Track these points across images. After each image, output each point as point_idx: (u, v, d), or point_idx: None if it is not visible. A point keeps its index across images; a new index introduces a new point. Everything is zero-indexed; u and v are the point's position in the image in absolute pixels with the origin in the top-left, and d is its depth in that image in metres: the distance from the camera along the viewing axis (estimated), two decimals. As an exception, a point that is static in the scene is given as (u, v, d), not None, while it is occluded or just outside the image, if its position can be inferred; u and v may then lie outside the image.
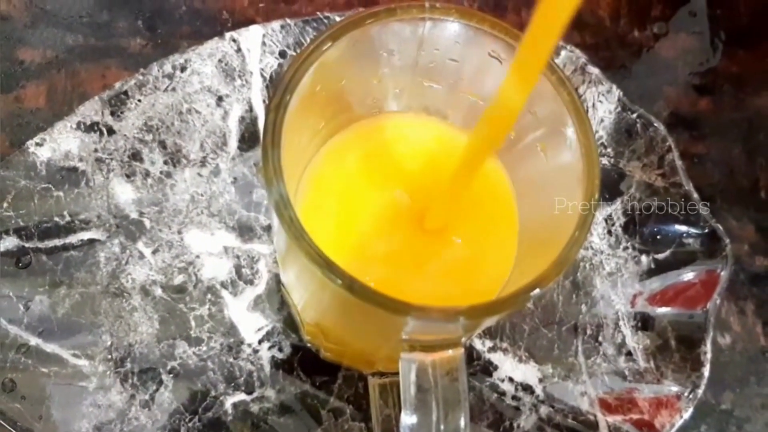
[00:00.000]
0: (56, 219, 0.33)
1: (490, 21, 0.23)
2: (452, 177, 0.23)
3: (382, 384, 0.30)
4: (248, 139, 0.36)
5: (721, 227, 0.36)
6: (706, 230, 0.36)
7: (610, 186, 0.36)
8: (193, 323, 0.33)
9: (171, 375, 0.32)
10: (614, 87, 0.37)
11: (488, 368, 0.34)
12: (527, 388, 0.34)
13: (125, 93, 0.35)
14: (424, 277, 0.25)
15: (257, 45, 0.37)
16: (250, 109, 0.36)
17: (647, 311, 0.35)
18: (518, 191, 0.27)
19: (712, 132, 0.40)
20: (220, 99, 0.36)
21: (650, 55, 0.41)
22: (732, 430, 0.35)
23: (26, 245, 0.33)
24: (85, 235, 0.33)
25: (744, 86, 0.41)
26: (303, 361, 0.33)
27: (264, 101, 0.36)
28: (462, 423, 0.22)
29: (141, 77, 0.35)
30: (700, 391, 0.34)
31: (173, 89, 0.36)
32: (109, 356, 0.32)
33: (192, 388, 0.32)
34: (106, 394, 0.32)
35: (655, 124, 0.37)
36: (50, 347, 0.32)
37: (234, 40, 0.36)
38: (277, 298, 0.34)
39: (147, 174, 0.34)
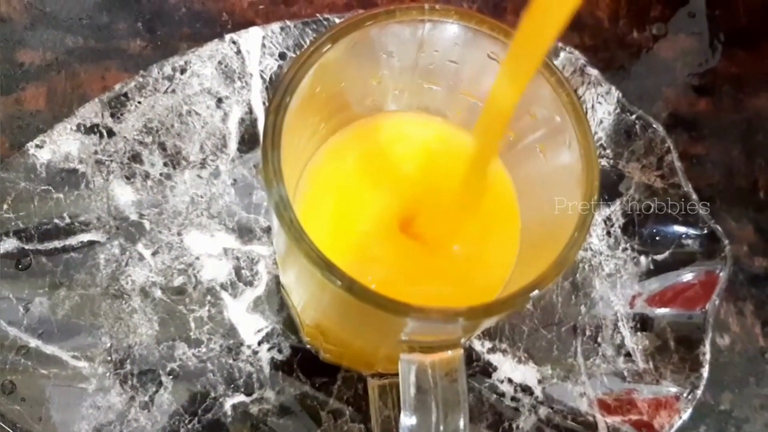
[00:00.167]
0: (56, 221, 0.33)
1: (489, 23, 0.23)
2: (461, 184, 0.23)
3: (381, 385, 0.30)
4: (248, 140, 0.36)
5: (720, 228, 0.36)
6: (705, 231, 0.36)
7: (609, 187, 0.36)
8: (192, 325, 0.33)
9: (170, 376, 0.32)
10: (613, 88, 0.37)
11: (487, 369, 0.34)
12: (526, 389, 0.34)
13: (125, 95, 0.35)
14: (425, 278, 0.25)
15: (257, 47, 0.37)
16: (250, 111, 0.36)
17: (646, 312, 0.35)
18: (519, 192, 0.27)
19: (711, 133, 0.40)
20: (219, 101, 0.36)
21: (649, 56, 0.41)
22: (731, 430, 0.35)
23: (26, 247, 0.33)
24: (85, 237, 0.34)
25: (743, 87, 0.41)
26: (302, 362, 0.33)
27: (264, 103, 0.36)
28: (461, 424, 0.22)
29: (141, 79, 0.35)
30: (699, 392, 0.34)
31: (173, 91, 0.36)
32: (109, 358, 0.32)
33: (191, 390, 0.32)
34: (106, 395, 0.32)
35: (654, 125, 0.37)
36: (50, 349, 0.32)
37: (234, 42, 0.36)
38: (276, 299, 0.34)
39: (147, 176, 0.35)
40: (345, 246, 0.25)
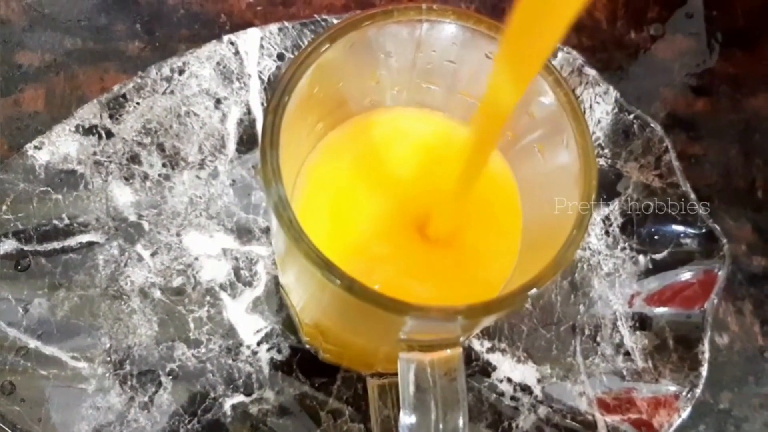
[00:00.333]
0: (55, 222, 0.34)
1: (487, 23, 0.23)
2: (457, 180, 0.23)
3: (380, 385, 0.30)
4: (246, 141, 0.36)
5: (718, 227, 0.36)
6: (704, 230, 0.36)
7: (607, 187, 0.36)
8: (192, 325, 0.33)
9: (170, 377, 0.32)
10: (611, 88, 0.37)
11: (487, 369, 0.34)
12: (526, 389, 0.34)
13: (123, 96, 0.35)
14: (424, 276, 0.25)
15: (255, 48, 0.37)
16: (249, 112, 0.36)
17: (645, 311, 0.35)
18: (520, 191, 0.27)
19: (709, 133, 0.40)
20: (218, 102, 0.36)
21: (647, 57, 0.41)
22: (730, 429, 0.35)
23: (25, 248, 0.33)
24: (84, 238, 0.34)
25: (741, 87, 0.41)
26: (302, 362, 0.33)
27: (262, 104, 0.36)
28: (460, 423, 0.22)
29: (139, 80, 0.35)
30: (698, 391, 0.34)
31: (171, 92, 0.36)
32: (108, 358, 0.32)
33: (191, 390, 0.32)
34: (106, 396, 0.32)
35: (652, 125, 0.37)
36: (49, 350, 0.32)
37: (232, 43, 0.36)
38: (275, 299, 0.34)
39: (145, 177, 0.35)
40: (343, 244, 0.25)
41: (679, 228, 0.36)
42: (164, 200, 0.34)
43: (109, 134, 0.35)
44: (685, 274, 0.35)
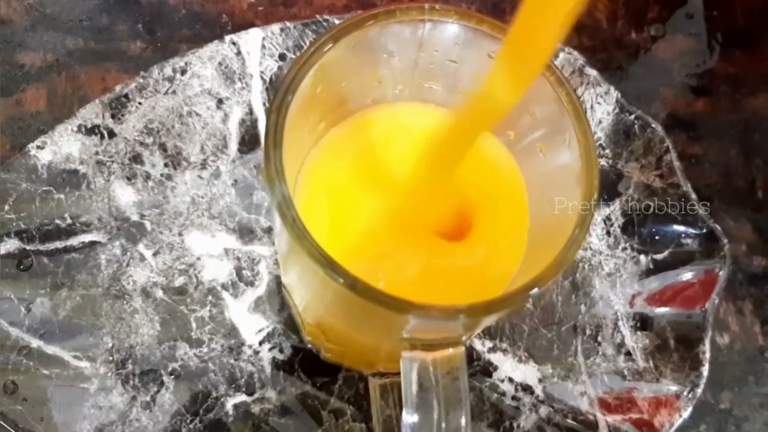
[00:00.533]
0: (57, 221, 0.34)
1: (489, 22, 0.23)
2: (434, 167, 0.23)
3: (382, 384, 0.30)
4: (248, 141, 0.36)
5: (719, 227, 0.36)
6: (704, 230, 0.36)
7: (608, 187, 0.37)
8: (194, 325, 0.33)
9: (172, 376, 0.32)
10: (612, 88, 0.37)
11: (488, 369, 0.34)
12: (527, 389, 0.34)
13: (126, 96, 0.35)
14: (429, 274, 0.25)
15: (257, 48, 0.37)
16: (251, 112, 0.36)
17: (646, 311, 0.35)
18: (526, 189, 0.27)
19: (709, 133, 0.40)
20: (220, 102, 0.36)
21: (647, 57, 0.41)
22: (731, 429, 0.35)
23: (27, 248, 0.33)
24: (86, 238, 0.34)
25: (741, 87, 0.41)
26: (304, 362, 0.33)
27: (264, 104, 0.36)
28: (463, 422, 0.22)
29: (141, 80, 0.35)
30: (699, 391, 0.34)
31: (173, 92, 0.36)
32: (111, 358, 0.32)
33: (193, 390, 0.32)
34: (108, 395, 0.32)
35: (653, 125, 0.37)
36: (51, 349, 0.32)
37: (234, 43, 0.37)
38: (277, 299, 0.34)
39: (148, 176, 0.35)
40: (346, 242, 0.25)
41: (680, 228, 0.36)
42: (166, 200, 0.34)
43: (112, 134, 0.35)
44: (686, 274, 0.35)
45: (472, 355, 0.34)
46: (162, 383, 0.32)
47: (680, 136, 0.39)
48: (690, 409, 0.34)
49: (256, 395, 0.32)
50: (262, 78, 0.36)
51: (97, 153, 0.35)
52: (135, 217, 0.34)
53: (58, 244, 0.33)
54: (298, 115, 0.22)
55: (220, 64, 0.36)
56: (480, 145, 0.25)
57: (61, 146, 0.34)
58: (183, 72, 0.36)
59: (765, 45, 0.42)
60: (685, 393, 0.34)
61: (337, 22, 0.37)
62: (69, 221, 0.34)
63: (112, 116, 0.35)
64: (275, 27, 0.37)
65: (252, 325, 0.33)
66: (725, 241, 0.36)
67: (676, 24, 0.42)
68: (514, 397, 0.33)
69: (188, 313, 0.33)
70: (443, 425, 0.22)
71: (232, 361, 0.33)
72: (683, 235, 0.36)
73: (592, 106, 0.37)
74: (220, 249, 0.34)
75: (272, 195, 0.20)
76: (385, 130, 0.27)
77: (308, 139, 0.26)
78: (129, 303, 0.33)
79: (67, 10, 0.38)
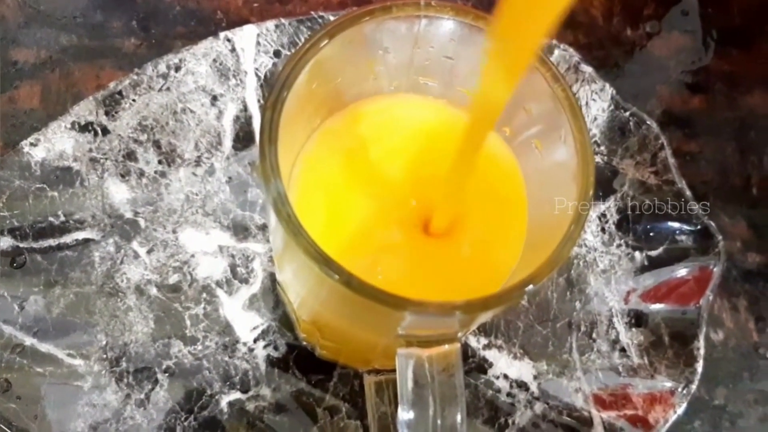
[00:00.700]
0: (51, 219, 0.33)
1: (485, 19, 0.23)
2: (449, 172, 0.23)
3: (377, 381, 0.30)
4: (243, 138, 0.36)
5: (713, 224, 0.36)
6: (699, 227, 0.36)
7: (603, 184, 0.37)
8: (188, 322, 0.33)
9: (166, 374, 0.32)
10: (607, 85, 0.37)
11: (483, 365, 0.34)
12: (522, 385, 0.34)
13: (119, 93, 0.35)
14: (427, 270, 0.25)
15: (252, 44, 0.37)
16: (245, 109, 0.36)
17: (641, 308, 0.35)
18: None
19: (704, 130, 0.40)
20: (214, 98, 0.36)
21: (643, 54, 0.41)
22: (725, 425, 0.35)
23: (21, 245, 0.33)
24: (80, 235, 0.33)
25: (736, 85, 0.41)
26: (298, 359, 0.33)
27: (258, 101, 0.36)
28: (458, 418, 0.22)
29: (135, 77, 0.35)
30: (693, 387, 0.34)
31: (168, 89, 0.36)
32: (105, 356, 0.32)
33: (187, 387, 0.32)
34: (102, 393, 0.32)
35: (648, 122, 0.37)
36: (45, 347, 0.32)
37: (228, 40, 0.36)
38: (272, 296, 0.34)
39: (142, 174, 0.34)
40: (341, 238, 0.25)
41: (675, 225, 0.36)
42: (160, 197, 0.34)
43: (105, 131, 0.35)
44: (681, 271, 0.35)
45: (467, 352, 0.34)
46: (156, 381, 0.32)
47: (675, 134, 0.39)
48: (684, 405, 0.34)
49: (251, 393, 0.32)
50: (256, 75, 0.36)
51: (90, 150, 0.34)
52: (129, 215, 0.34)
53: (52, 242, 0.33)
54: (294, 111, 0.22)
55: (214, 60, 0.36)
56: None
57: (55, 143, 0.34)
58: (177, 69, 0.36)
59: (760, 42, 0.42)
60: (679, 389, 0.34)
61: (331, 18, 0.37)
62: (62, 219, 0.33)
63: (106, 113, 0.35)
64: (270, 24, 0.37)
65: (246, 322, 0.33)
66: (720, 237, 0.36)
67: (672, 21, 0.42)
68: (509, 394, 0.33)
69: (182, 311, 0.33)
70: (439, 422, 0.22)
71: (226, 358, 0.33)
72: (678, 231, 0.36)
73: (587, 103, 0.37)
74: (214, 246, 0.34)
75: (267, 191, 0.20)
76: (381, 123, 0.26)
77: (303, 134, 0.25)
78: (123, 300, 0.33)
79: (61, 7, 0.38)
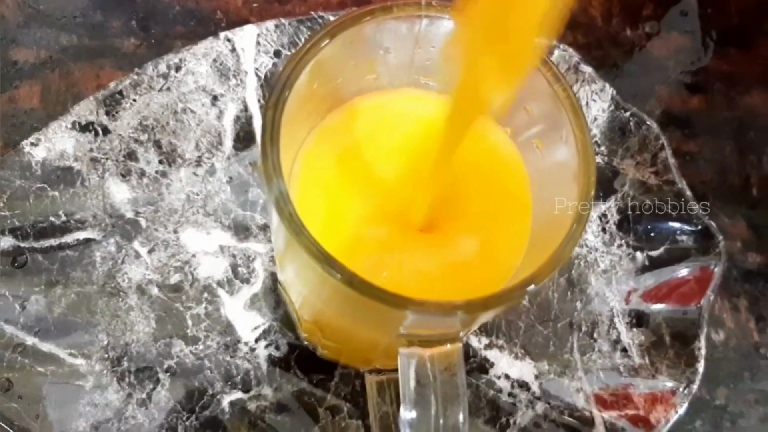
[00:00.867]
0: (52, 219, 0.33)
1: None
2: (432, 162, 0.23)
3: (379, 381, 0.30)
4: (243, 138, 0.36)
5: (714, 224, 0.36)
6: (700, 227, 0.36)
7: (604, 184, 0.37)
8: (189, 322, 0.33)
9: (168, 374, 0.32)
10: (607, 85, 0.38)
11: (484, 365, 0.34)
12: (523, 385, 0.34)
13: (120, 93, 0.35)
14: (429, 269, 0.25)
15: (252, 44, 0.37)
16: (245, 109, 0.36)
17: (642, 308, 0.35)
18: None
19: (704, 130, 0.40)
20: (215, 98, 0.36)
21: (642, 54, 0.41)
22: (726, 425, 0.35)
23: (22, 245, 0.33)
24: (81, 235, 0.33)
25: (735, 85, 0.41)
26: (300, 359, 0.33)
27: (259, 101, 0.36)
28: (461, 417, 0.22)
29: (136, 77, 0.35)
30: (694, 387, 0.34)
31: (168, 89, 0.36)
32: (106, 355, 0.32)
33: (189, 387, 0.32)
34: (103, 393, 0.32)
35: (648, 123, 0.37)
36: (47, 347, 0.32)
37: (228, 40, 0.36)
38: (273, 296, 0.34)
39: (142, 173, 0.34)
40: (342, 236, 0.24)
41: (676, 225, 0.36)
42: (161, 197, 0.34)
43: (106, 131, 0.35)
44: (682, 271, 0.35)
45: (468, 352, 0.34)
46: (158, 380, 0.32)
47: (675, 134, 0.39)
48: (685, 405, 0.34)
49: (252, 392, 0.32)
50: (256, 75, 0.36)
51: (91, 150, 0.34)
52: (130, 215, 0.34)
53: (53, 242, 0.33)
54: (295, 111, 0.22)
55: (214, 60, 0.36)
56: (486, 138, 0.25)
57: (55, 143, 0.34)
58: (177, 69, 0.36)
59: (759, 43, 0.42)
60: (680, 389, 0.34)
61: (331, 18, 0.37)
62: (63, 218, 0.33)
63: (107, 113, 0.35)
64: (270, 24, 0.37)
65: (248, 322, 0.33)
66: (720, 237, 0.36)
67: (671, 21, 0.42)
68: (510, 394, 0.34)
69: (184, 311, 0.33)
70: (441, 421, 0.22)
71: (228, 358, 0.33)
72: (678, 232, 0.36)
73: (587, 104, 0.37)
74: (215, 246, 0.34)
75: (269, 191, 0.20)
76: (381, 118, 0.26)
77: (302, 132, 0.25)
78: (124, 300, 0.33)
79: (61, 7, 0.38)
